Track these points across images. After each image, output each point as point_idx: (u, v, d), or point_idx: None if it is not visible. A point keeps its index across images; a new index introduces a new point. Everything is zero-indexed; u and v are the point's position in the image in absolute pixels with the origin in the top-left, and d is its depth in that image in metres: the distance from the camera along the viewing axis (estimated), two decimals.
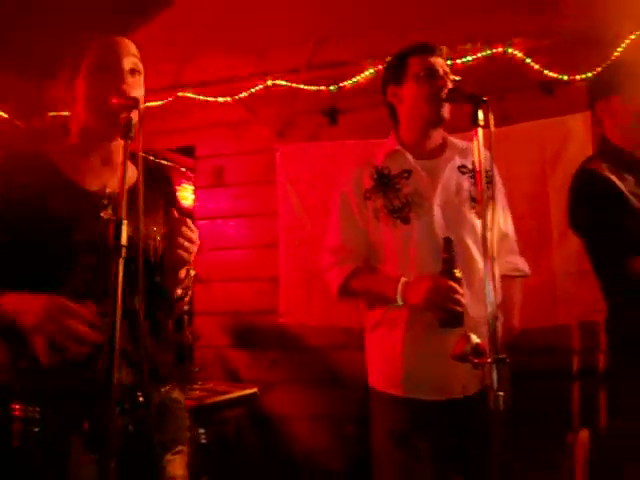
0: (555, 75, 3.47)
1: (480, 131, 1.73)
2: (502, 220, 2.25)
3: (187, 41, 4.16)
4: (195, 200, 4.24)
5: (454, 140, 2.22)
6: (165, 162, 5.44)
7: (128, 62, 1.59)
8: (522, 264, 2.27)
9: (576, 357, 3.17)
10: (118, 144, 1.62)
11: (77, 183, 1.58)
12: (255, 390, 3.24)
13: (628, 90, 2.23)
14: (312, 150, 3.91)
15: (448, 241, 1.95)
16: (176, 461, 1.59)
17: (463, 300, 1.91)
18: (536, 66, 3.49)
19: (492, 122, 1.71)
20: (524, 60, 3.50)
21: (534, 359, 3.23)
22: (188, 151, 4.42)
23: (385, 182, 2.16)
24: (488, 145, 1.71)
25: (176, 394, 1.68)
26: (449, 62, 3.55)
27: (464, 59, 3.57)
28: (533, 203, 3.49)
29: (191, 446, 1.73)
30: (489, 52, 3.54)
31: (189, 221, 1.54)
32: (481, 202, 1.62)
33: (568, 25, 3.39)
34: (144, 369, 1.41)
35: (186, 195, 5.33)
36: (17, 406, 1.47)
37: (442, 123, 2.15)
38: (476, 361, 1.59)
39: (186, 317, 3.22)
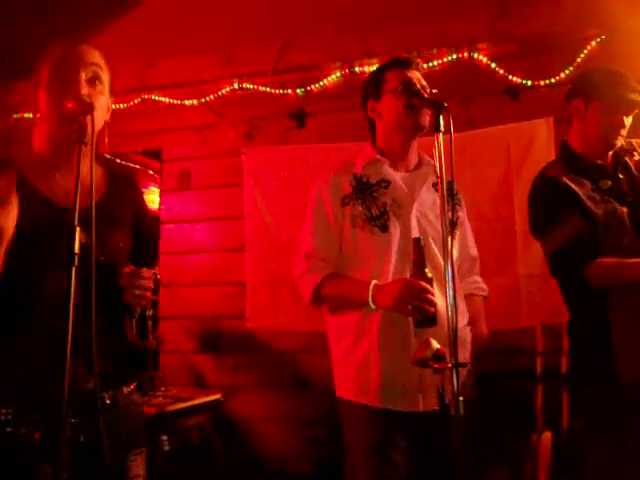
0: (519, 80, 3.51)
1: (441, 137, 1.74)
2: (470, 242, 2.34)
3: (153, 42, 4.12)
4: (161, 203, 4.20)
5: (427, 157, 2.25)
6: (132, 165, 5.41)
7: (86, 72, 1.57)
8: (483, 284, 2.35)
9: (540, 359, 3.22)
10: (86, 153, 1.62)
11: (44, 195, 1.56)
12: (219, 396, 3.21)
13: (611, 101, 2.19)
14: (279, 153, 3.89)
15: (417, 241, 1.96)
16: (138, 461, 1.63)
17: (435, 300, 1.91)
18: (501, 71, 3.53)
19: (452, 128, 1.71)
20: (489, 65, 3.54)
21: (499, 360, 3.26)
22: (155, 154, 4.37)
23: (363, 190, 2.16)
24: (449, 154, 1.72)
25: (135, 397, 1.71)
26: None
27: (430, 63, 3.59)
28: (498, 206, 3.53)
29: (153, 452, 1.75)
30: (455, 57, 3.57)
31: (144, 271, 1.58)
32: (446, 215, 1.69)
33: (532, 31, 3.44)
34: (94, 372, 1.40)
35: (153, 198, 5.27)
36: (3, 410, 1.48)
37: (422, 131, 2.15)
38: (436, 366, 1.60)
39: (150, 322, 3.18)
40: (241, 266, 3.91)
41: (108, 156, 1.52)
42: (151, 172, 5.28)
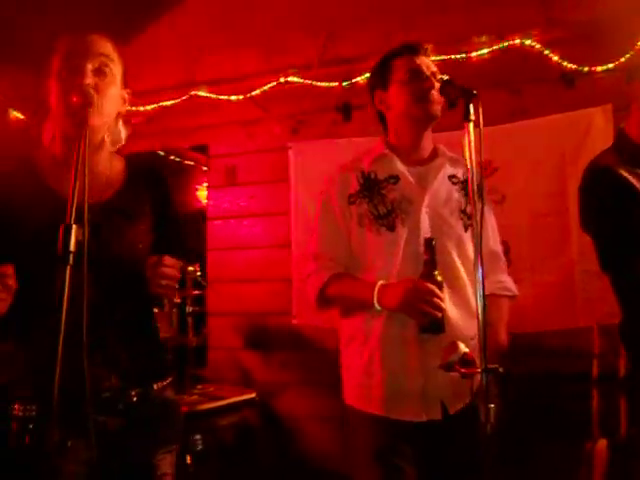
0: (575, 67, 3.32)
1: (471, 126, 1.63)
2: (492, 237, 2.17)
3: (199, 39, 4.13)
4: (208, 199, 4.19)
5: (444, 149, 2.13)
6: (187, 161, 5.45)
7: (93, 62, 1.54)
8: (510, 284, 2.17)
9: (596, 361, 3.04)
10: (100, 147, 1.62)
11: (57, 192, 1.54)
12: (254, 395, 3.16)
13: None
14: (325, 147, 3.82)
15: (429, 242, 1.86)
16: (167, 459, 1.61)
17: (443, 305, 1.81)
18: (555, 57, 3.35)
19: (482, 120, 1.60)
20: (542, 52, 3.36)
21: (552, 363, 3.11)
22: (203, 150, 4.38)
23: (371, 187, 2.05)
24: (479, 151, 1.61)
25: (169, 393, 1.68)
26: (463, 55, 3.46)
27: (479, 52, 3.45)
28: (552, 200, 3.36)
29: (186, 451, 1.73)
30: (505, 44, 3.41)
31: (167, 258, 1.54)
32: (472, 214, 1.58)
33: (588, 15, 3.24)
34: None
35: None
36: (16, 406, 1.49)
37: (433, 121, 2.05)
38: (463, 371, 1.50)
39: (190, 318, 3.17)
40: (287, 262, 3.86)
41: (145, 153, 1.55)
42: (205, 169, 5.32)
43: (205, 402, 2.86)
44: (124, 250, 1.58)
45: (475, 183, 1.61)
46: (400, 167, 2.05)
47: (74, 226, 1.19)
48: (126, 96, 1.68)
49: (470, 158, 1.62)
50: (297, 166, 3.90)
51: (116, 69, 1.59)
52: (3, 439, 1.45)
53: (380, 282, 1.91)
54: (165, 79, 4.19)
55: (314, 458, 3.69)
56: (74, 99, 1.41)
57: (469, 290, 1.99)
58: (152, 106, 4.27)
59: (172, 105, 4.19)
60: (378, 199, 2.02)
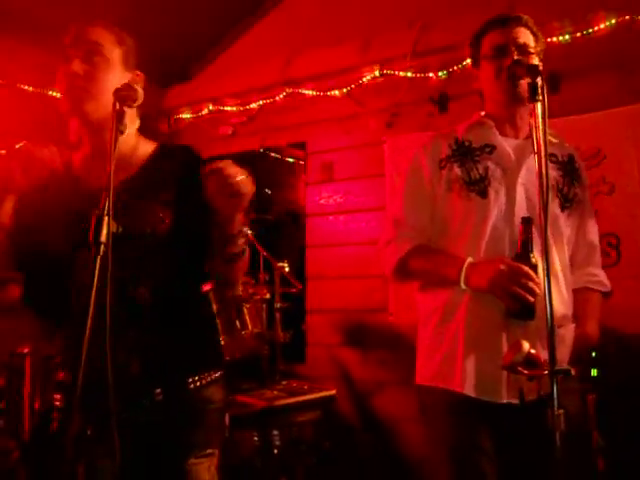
0: None
1: (539, 107, 1.50)
2: (590, 226, 2.01)
3: (294, 36, 4.15)
4: (306, 196, 4.20)
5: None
6: (290, 159, 5.49)
7: (81, 50, 1.58)
8: (605, 279, 2.00)
9: None
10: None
11: (82, 180, 1.59)
12: (333, 392, 3.10)
13: None
14: (421, 140, 3.69)
15: (527, 221, 1.73)
16: (203, 465, 1.52)
17: (538, 290, 1.67)
18: None
19: (546, 96, 1.47)
20: None
21: None
22: (302, 147, 4.39)
23: (464, 152, 1.95)
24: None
25: (211, 391, 1.59)
26: (567, 37, 3.23)
27: (584, 32, 3.21)
28: None
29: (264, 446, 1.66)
30: (613, 21, 3.15)
31: (229, 163, 1.42)
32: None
33: None
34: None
35: None
36: (57, 396, 1.51)
37: (520, 99, 1.90)
38: (527, 372, 1.38)
39: (278, 314, 3.18)
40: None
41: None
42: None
43: (284, 398, 2.85)
44: (137, 225, 1.53)
45: (544, 167, 1.48)
46: (497, 136, 1.95)
47: (105, 217, 1.19)
48: (136, 77, 1.68)
49: (538, 143, 1.49)
50: (392, 160, 3.81)
51: (110, 53, 1.61)
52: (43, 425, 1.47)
53: (469, 260, 1.80)
54: (264, 78, 4.24)
55: (412, 459, 3.59)
56: (63, 86, 1.48)
57: (560, 274, 1.85)
58: (252, 105, 4.35)
59: (270, 103, 4.24)
60: (471, 165, 1.92)
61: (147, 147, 1.70)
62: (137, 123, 1.70)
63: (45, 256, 1.47)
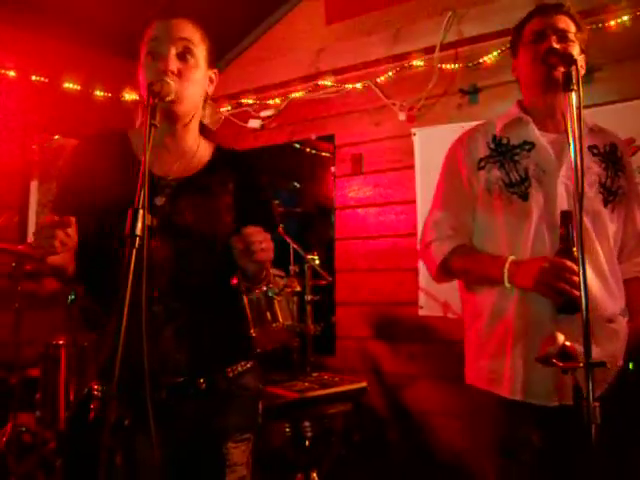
0: None
1: (573, 96, 1.48)
2: (638, 216, 1.96)
3: (323, 29, 4.15)
4: (336, 189, 4.20)
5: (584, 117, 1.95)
6: (325, 154, 5.48)
7: (176, 47, 1.56)
8: None
9: None
10: (187, 129, 1.64)
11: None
12: (364, 384, 3.10)
13: None
14: (450, 132, 3.67)
15: (566, 215, 1.70)
16: (240, 448, 1.58)
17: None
18: None
19: (580, 86, 1.44)
20: None
21: None
22: (330, 140, 4.39)
23: (503, 152, 1.92)
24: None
25: (247, 379, 1.65)
26: (599, 25, 3.18)
27: (619, 20, 3.15)
28: None
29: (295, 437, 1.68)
30: None
31: (255, 229, 1.46)
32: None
33: None
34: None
35: None
36: (96, 386, 1.54)
37: (555, 87, 1.82)
38: (562, 365, 1.37)
39: (309, 307, 3.19)
40: (413, 251, 3.75)
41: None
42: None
43: (315, 389, 2.86)
44: (202, 223, 1.57)
45: (580, 159, 1.46)
46: (536, 133, 1.91)
47: (141, 210, 1.21)
48: (213, 76, 1.70)
49: (573, 133, 1.47)
50: (422, 152, 3.79)
51: (199, 52, 1.60)
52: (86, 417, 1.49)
53: (511, 258, 1.79)
54: (293, 71, 4.25)
55: (441, 454, 3.58)
56: (154, 88, 1.42)
57: (606, 268, 1.83)
58: (281, 99, 4.36)
59: (300, 96, 4.25)
60: (510, 166, 1.89)
61: (205, 145, 1.72)
62: (201, 118, 1.71)
63: (102, 242, 1.50)
